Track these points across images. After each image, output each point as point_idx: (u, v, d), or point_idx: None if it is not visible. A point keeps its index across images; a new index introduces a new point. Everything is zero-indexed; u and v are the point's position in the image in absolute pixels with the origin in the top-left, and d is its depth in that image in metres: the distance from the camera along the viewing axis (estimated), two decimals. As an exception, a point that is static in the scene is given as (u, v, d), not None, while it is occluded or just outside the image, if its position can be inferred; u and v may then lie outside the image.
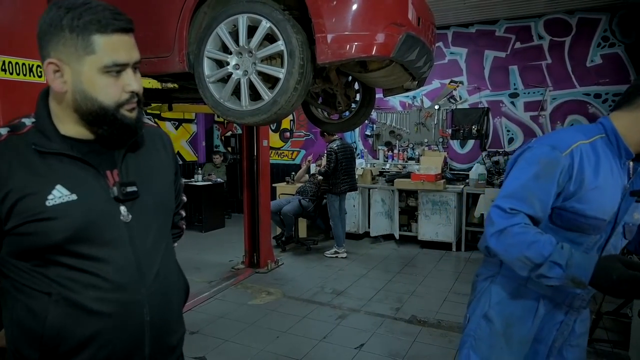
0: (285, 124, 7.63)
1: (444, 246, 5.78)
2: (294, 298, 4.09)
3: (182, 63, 2.27)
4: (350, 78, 3.06)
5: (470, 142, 6.29)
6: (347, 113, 3.31)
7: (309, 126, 7.33)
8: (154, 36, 2.35)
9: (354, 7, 2.00)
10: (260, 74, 2.14)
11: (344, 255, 5.47)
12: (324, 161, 5.50)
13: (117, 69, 0.90)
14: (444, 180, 5.83)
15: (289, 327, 3.48)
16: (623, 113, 1.24)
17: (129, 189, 0.96)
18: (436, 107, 6.45)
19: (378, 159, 6.92)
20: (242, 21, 2.11)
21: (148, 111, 6.91)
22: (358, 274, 4.77)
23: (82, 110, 0.91)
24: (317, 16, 2.00)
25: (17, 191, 0.87)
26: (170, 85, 2.50)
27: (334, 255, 5.47)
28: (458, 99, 6.32)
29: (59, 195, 0.89)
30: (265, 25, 2.05)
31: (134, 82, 0.92)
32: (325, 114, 3.46)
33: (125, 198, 0.96)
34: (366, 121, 6.57)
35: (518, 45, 5.94)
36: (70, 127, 0.94)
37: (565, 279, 1.08)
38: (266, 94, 2.11)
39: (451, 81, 6.31)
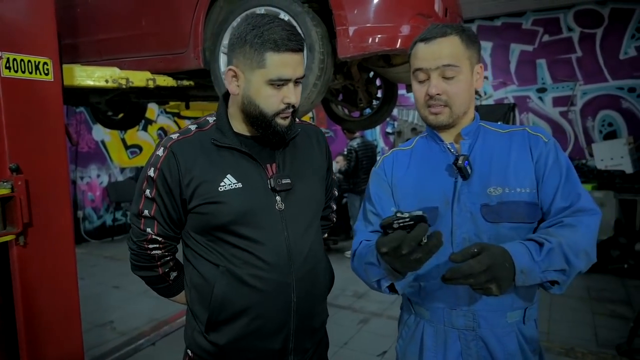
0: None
1: (467, 247, 5.59)
2: (314, 300, 3.99)
3: (198, 59, 2.19)
4: (372, 74, 2.94)
5: (495, 140, 6.07)
6: (368, 110, 3.19)
7: (328, 123, 7.21)
8: (169, 32, 2.28)
9: (378, -3, 1.88)
10: (278, 70, 2.04)
11: (364, 256, 5.34)
12: (342, 160, 5.38)
13: (280, 83, 1.02)
14: (468, 179, 5.64)
15: (309, 331, 3.38)
16: None
17: (284, 181, 1.09)
18: (459, 103, 6.25)
19: (399, 157, 6.76)
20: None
21: (167, 109, 6.94)
22: (379, 276, 4.64)
23: (246, 112, 1.06)
24: (338, 7, 1.89)
25: (198, 177, 1.05)
26: (185, 82, 2.43)
27: (354, 256, 5.35)
28: (483, 94, 6.10)
29: (229, 183, 1.06)
30: (283, 18, 1.95)
31: (292, 95, 1.04)
32: (346, 111, 3.35)
33: (280, 189, 1.09)
34: (387, 118, 6.46)
35: (546, 37, 5.69)
36: (239, 125, 1.11)
37: (385, 273, 1.01)
38: (284, 91, 2.01)
39: (475, 76, 6.10)
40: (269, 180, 1.09)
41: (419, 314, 1.15)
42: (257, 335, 1.09)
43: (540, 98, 5.80)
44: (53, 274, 1.63)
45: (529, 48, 5.79)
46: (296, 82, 1.06)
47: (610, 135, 5.41)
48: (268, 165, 1.11)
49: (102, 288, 4.38)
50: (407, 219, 0.84)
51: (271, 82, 1.01)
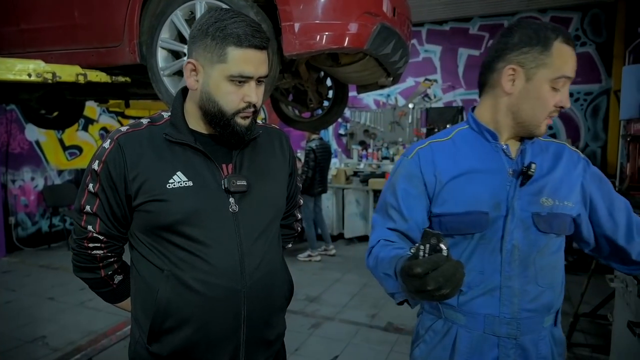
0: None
1: (419, 247, 5.68)
2: (265, 306, 3.88)
3: (133, 54, 2.03)
4: (322, 74, 2.88)
5: (445, 141, 6.22)
6: (319, 111, 3.12)
7: (281, 125, 7.11)
8: (102, 24, 2.11)
9: (324, -7, 1.82)
10: (221, 66, 1.93)
11: (318, 258, 5.29)
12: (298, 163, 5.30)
13: (241, 79, 0.98)
14: (419, 180, 5.73)
15: (259, 338, 3.27)
16: (484, 96, 1.13)
17: (239, 182, 1.03)
18: (410, 105, 6.35)
19: (352, 158, 6.77)
20: (200, 7, 1.89)
21: (109, 109, 6.56)
22: (332, 279, 4.60)
23: (205, 109, 1.01)
24: (283, 3, 1.81)
25: (145, 173, 0.99)
26: (121, 78, 2.26)
27: (307, 259, 5.29)
28: (432, 97, 6.24)
29: (178, 180, 0.99)
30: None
31: (253, 94, 1.00)
32: (296, 111, 3.27)
33: (234, 190, 1.03)
34: (340, 120, 6.44)
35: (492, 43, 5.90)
36: (196, 121, 1.05)
37: (401, 289, 0.94)
38: (227, 89, 1.90)
39: (425, 79, 6.22)
40: (223, 181, 1.03)
41: (450, 318, 1.10)
42: (203, 346, 1.01)
43: (486, 101, 6.00)
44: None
45: (476, 53, 5.98)
46: (259, 81, 1.01)
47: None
48: (224, 165, 1.05)
49: (35, 300, 4.04)
50: (427, 252, 0.79)
51: (232, 79, 0.97)
